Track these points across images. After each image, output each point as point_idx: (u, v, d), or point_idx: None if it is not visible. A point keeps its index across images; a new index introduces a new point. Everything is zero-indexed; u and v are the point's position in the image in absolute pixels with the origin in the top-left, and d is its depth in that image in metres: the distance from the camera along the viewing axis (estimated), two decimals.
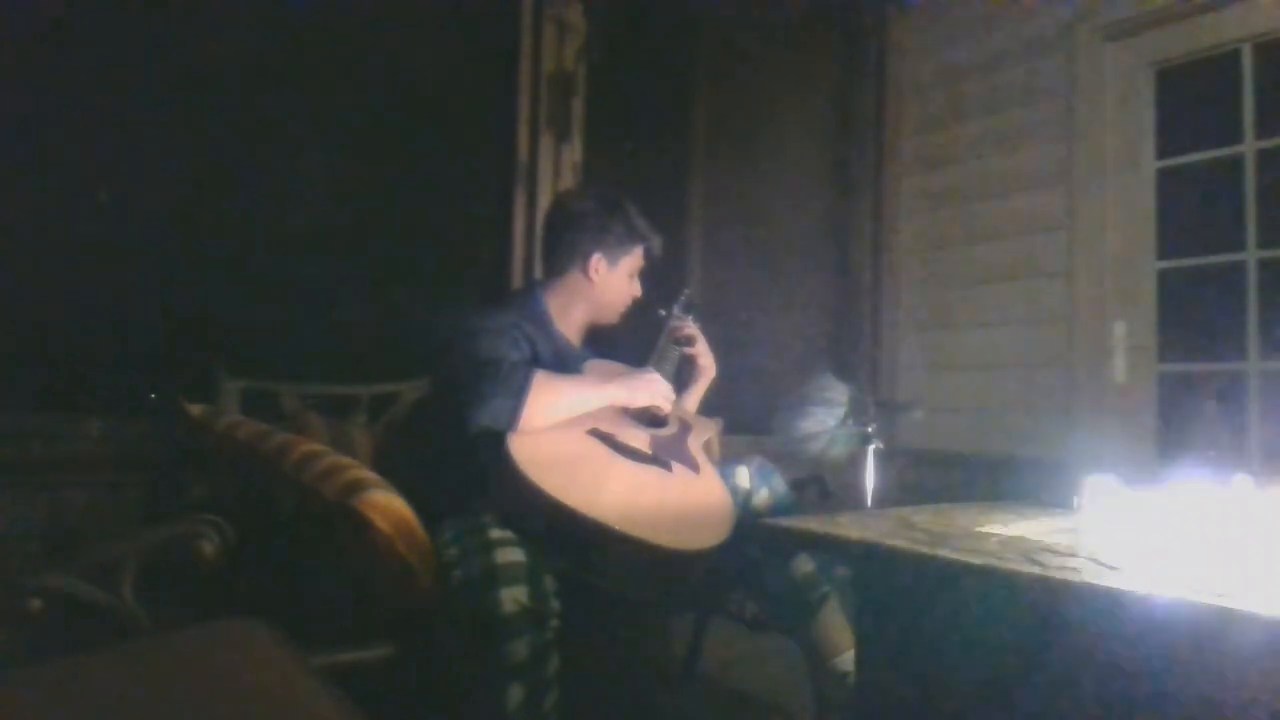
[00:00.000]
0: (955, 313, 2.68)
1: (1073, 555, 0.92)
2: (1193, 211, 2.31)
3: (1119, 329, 2.34)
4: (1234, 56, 2.22)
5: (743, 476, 1.53)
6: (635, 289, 1.69)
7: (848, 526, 1.08)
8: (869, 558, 1.02)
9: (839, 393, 1.88)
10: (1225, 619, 0.71)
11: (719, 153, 3.54)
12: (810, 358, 2.96)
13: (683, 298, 1.75)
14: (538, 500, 1.19)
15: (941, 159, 2.74)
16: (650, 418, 1.52)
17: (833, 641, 1.44)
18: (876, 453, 1.83)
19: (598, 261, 1.62)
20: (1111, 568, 0.86)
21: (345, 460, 1.28)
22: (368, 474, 1.24)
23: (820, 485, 1.81)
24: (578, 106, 2.74)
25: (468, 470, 1.32)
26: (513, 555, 1.18)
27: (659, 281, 1.79)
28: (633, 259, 1.66)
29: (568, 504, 1.18)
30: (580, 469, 1.27)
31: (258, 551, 1.17)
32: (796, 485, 1.70)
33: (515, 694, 1.12)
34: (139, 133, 2.10)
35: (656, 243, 1.69)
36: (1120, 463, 1.30)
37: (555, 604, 1.18)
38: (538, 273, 1.73)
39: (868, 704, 1.11)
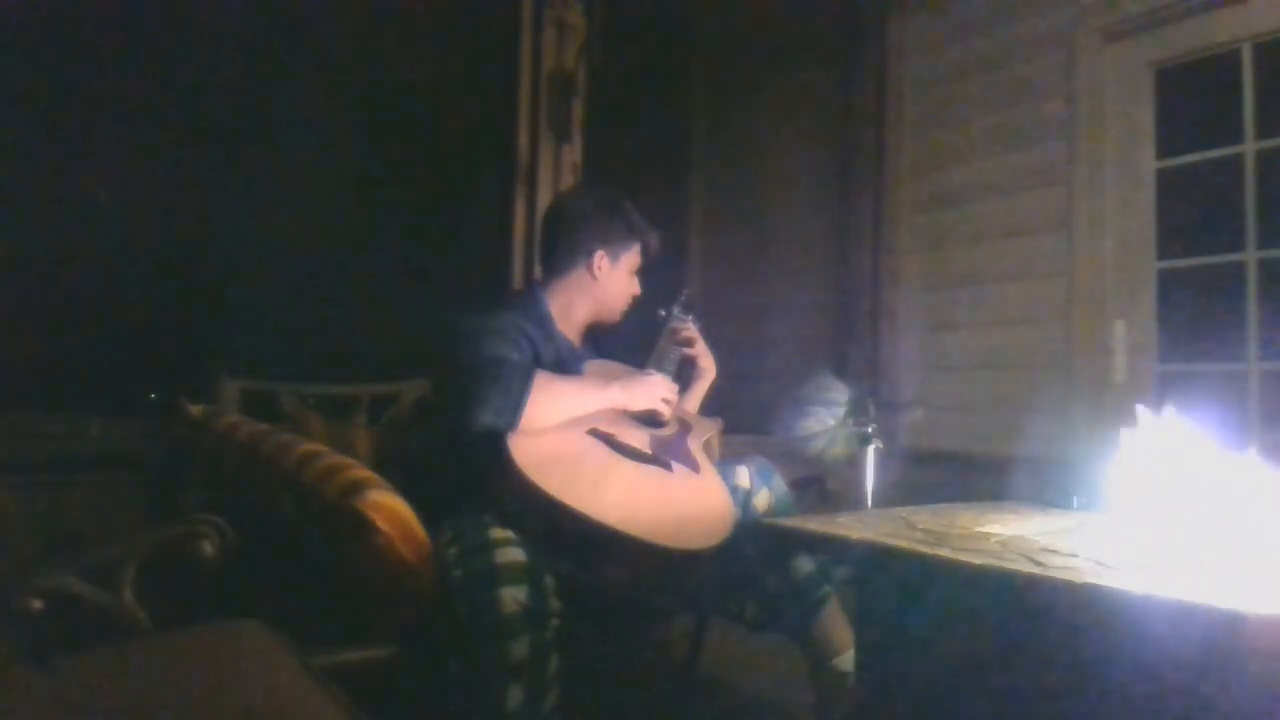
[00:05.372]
0: (955, 313, 2.67)
1: (1073, 555, 0.92)
2: (1193, 211, 2.31)
3: (1119, 329, 2.34)
4: (1234, 56, 2.22)
5: (743, 476, 1.53)
6: (635, 287, 1.69)
7: (848, 526, 1.08)
8: (869, 558, 1.02)
9: (839, 393, 1.88)
10: (1227, 620, 0.71)
11: (719, 153, 3.54)
12: (810, 358, 2.96)
13: (682, 298, 1.75)
14: (538, 500, 1.19)
15: (941, 158, 2.74)
16: (650, 418, 1.52)
17: (833, 641, 1.44)
18: (876, 453, 1.83)
19: (601, 258, 1.62)
20: (1112, 568, 0.86)
21: (345, 460, 1.28)
22: (368, 474, 1.24)
23: (820, 485, 1.81)
24: (578, 106, 2.74)
25: (468, 470, 1.32)
26: (513, 555, 1.18)
27: (659, 281, 1.79)
28: (632, 256, 1.67)
29: (568, 504, 1.18)
30: (580, 469, 1.27)
31: (258, 551, 1.17)
32: (796, 485, 1.70)
33: (515, 694, 1.12)
34: (139, 135, 2.10)
35: (654, 240, 1.69)
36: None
37: (555, 604, 1.18)
38: (537, 273, 1.73)
39: (868, 704, 1.11)
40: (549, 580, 1.19)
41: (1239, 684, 0.75)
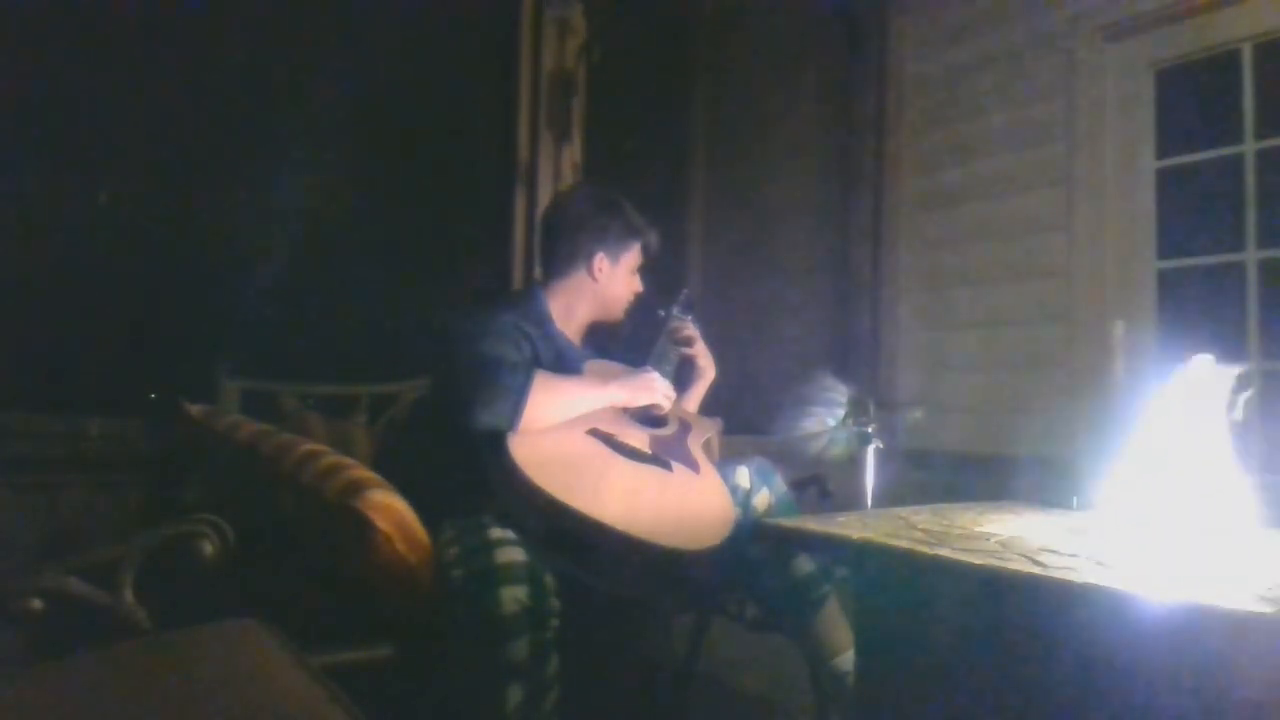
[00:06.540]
0: (955, 313, 2.67)
1: (1073, 555, 0.92)
2: (1193, 211, 2.31)
3: (1119, 329, 2.34)
4: (1234, 56, 2.22)
5: (743, 476, 1.53)
6: (637, 285, 1.69)
7: (848, 526, 1.08)
8: (869, 558, 1.02)
9: (839, 393, 1.88)
10: (1230, 621, 0.71)
11: (719, 152, 3.54)
12: (810, 358, 2.96)
13: (682, 298, 1.75)
14: (538, 500, 1.19)
15: (941, 158, 2.74)
16: (650, 418, 1.52)
17: (833, 641, 1.44)
18: (876, 453, 1.82)
19: (600, 260, 1.62)
20: (1111, 568, 0.86)
21: (345, 460, 1.28)
22: (368, 474, 1.24)
23: (820, 485, 1.81)
24: (578, 106, 2.74)
25: (468, 470, 1.32)
26: (513, 555, 1.18)
27: (659, 281, 1.79)
28: (632, 255, 1.67)
29: (568, 504, 1.18)
30: (580, 469, 1.27)
31: (258, 551, 1.17)
32: (796, 485, 1.70)
33: (515, 694, 1.12)
34: (139, 134, 2.10)
35: (653, 237, 1.69)
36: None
37: (555, 604, 1.18)
38: (537, 273, 1.73)
39: (868, 704, 1.11)
40: (549, 580, 1.19)
41: (1241, 685, 0.74)
